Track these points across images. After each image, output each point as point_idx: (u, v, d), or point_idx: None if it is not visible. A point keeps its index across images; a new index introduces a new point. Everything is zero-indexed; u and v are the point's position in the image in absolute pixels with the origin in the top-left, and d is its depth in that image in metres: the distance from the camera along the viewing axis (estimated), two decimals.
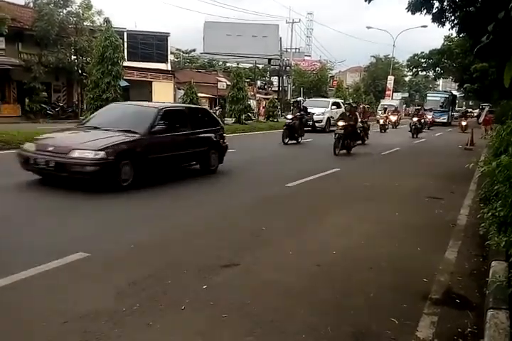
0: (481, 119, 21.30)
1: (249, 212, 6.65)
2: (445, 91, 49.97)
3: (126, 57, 22.58)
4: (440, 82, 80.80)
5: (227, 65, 51.16)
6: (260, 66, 50.26)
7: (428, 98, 43.46)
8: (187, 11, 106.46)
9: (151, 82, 33.13)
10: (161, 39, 38.28)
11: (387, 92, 50.49)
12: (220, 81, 36.24)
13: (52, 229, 5.31)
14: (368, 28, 45.03)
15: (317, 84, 40.81)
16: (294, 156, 13.99)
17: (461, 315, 3.54)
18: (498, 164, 3.24)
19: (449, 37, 35.21)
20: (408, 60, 45.26)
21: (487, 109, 22.48)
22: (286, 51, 48.57)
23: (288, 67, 44.81)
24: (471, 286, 4.11)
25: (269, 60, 45.25)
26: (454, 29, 17.44)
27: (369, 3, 14.11)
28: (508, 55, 5.09)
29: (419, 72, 46.14)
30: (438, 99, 40.82)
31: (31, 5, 24.14)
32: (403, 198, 8.23)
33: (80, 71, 24.85)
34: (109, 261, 4.38)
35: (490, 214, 3.49)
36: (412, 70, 45.95)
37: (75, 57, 24.87)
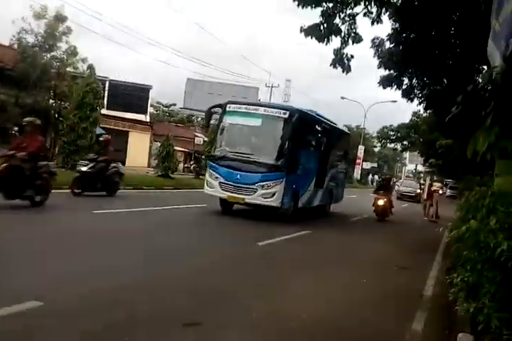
0: (424, 195, 21.37)
1: (218, 269, 6.39)
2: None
3: (105, 106, 22.66)
4: (407, 155, 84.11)
5: None
6: None
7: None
8: (172, 66, 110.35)
9: (128, 131, 33.05)
10: (143, 91, 38.65)
11: (357, 161, 52.10)
12: (197, 136, 36.66)
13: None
14: (342, 98, 47.42)
15: None
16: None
17: None
18: (467, 229, 3.27)
19: (416, 113, 37.24)
20: (378, 132, 47.31)
21: (428, 182, 22.86)
22: None
23: None
24: None
25: None
26: (422, 105, 18.53)
27: (346, 74, 14.99)
28: (474, 127, 5.36)
29: (388, 144, 48.11)
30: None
31: (15, 46, 24.33)
32: (372, 265, 8.16)
33: (56, 115, 24.68)
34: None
35: (459, 279, 3.45)
36: (381, 142, 47.87)
37: (52, 101, 24.80)
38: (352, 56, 14.75)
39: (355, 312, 5.18)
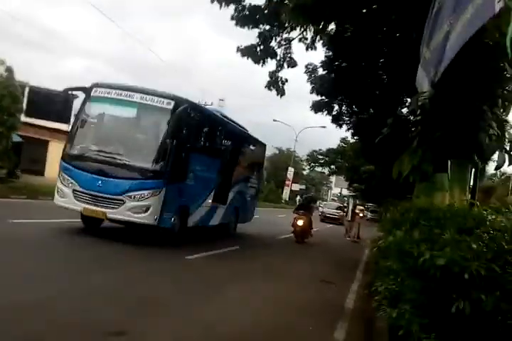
0: (348, 217, 22.32)
1: (146, 281, 6.17)
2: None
3: (24, 112, 21.22)
4: (333, 178, 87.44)
5: None
6: None
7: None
8: (101, 76, 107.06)
9: (48, 141, 31.25)
10: (67, 99, 36.56)
11: (286, 182, 53.28)
12: None
13: None
14: (274, 120, 48.55)
15: None
16: None
17: None
18: (393, 240, 3.45)
19: (344, 139, 38.99)
20: (308, 155, 48.79)
21: (351, 205, 23.86)
22: None
23: None
24: None
25: None
26: (350, 131, 19.48)
27: (281, 97, 15.45)
28: (401, 150, 5.73)
29: (316, 168, 49.80)
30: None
31: None
32: (298, 280, 8.30)
33: None
34: None
35: (383, 288, 3.61)
36: (310, 165, 49.39)
37: None
38: (286, 80, 15.28)
39: (279, 322, 5.24)
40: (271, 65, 14.63)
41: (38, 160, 29.42)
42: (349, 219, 21.07)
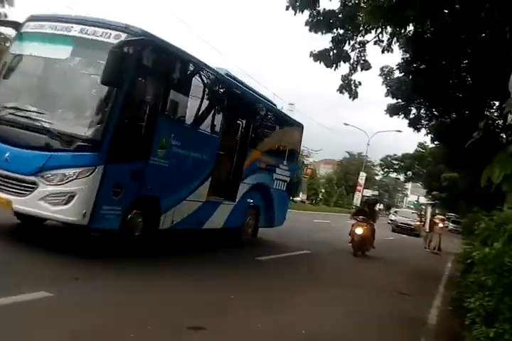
0: (427, 227, 20.92)
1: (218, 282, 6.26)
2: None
3: None
4: (409, 185, 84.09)
5: None
6: None
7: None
8: None
9: None
10: None
11: (358, 188, 52.05)
12: None
13: None
14: (346, 124, 47.62)
15: None
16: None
17: None
18: (490, 252, 3.20)
19: (422, 144, 37.36)
20: (381, 160, 47.37)
21: (429, 214, 22.30)
22: None
23: None
24: None
25: None
26: (429, 136, 18.64)
27: (353, 100, 15.12)
28: (491, 156, 5.34)
29: (390, 173, 48.12)
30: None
31: None
32: (374, 290, 8.04)
33: None
34: None
35: (477, 304, 3.36)
36: (383, 170, 47.89)
37: None
38: (360, 83, 14.89)
39: (354, 336, 5.07)
40: (343, 68, 14.38)
41: None
42: (427, 229, 20.04)
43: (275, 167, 10.83)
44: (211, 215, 8.30)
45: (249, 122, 9.48)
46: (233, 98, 8.70)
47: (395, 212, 39.17)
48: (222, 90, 8.49)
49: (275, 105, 11.38)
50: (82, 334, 3.53)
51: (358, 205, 55.51)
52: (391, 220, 36.68)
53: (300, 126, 12.36)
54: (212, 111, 8.12)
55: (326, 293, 6.94)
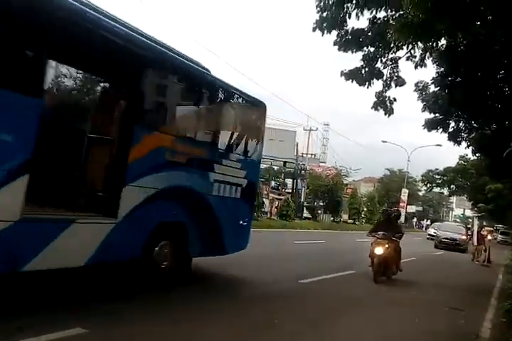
0: (475, 240, 20.21)
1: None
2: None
3: None
4: (454, 199, 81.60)
5: None
6: (275, 168, 51.78)
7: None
8: None
9: None
10: None
11: (401, 204, 51.01)
12: None
13: None
14: (383, 142, 47.16)
15: (332, 188, 41.72)
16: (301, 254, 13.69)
17: None
18: None
19: (463, 157, 36.46)
20: (423, 175, 46.42)
21: (476, 226, 21.56)
22: (302, 156, 50.38)
23: (303, 171, 46.18)
24: None
25: (285, 162, 46.74)
26: (470, 148, 18.27)
27: (388, 116, 15.12)
28: None
29: (434, 188, 46.93)
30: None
31: None
32: (423, 306, 7.94)
33: None
34: None
35: None
36: (426, 185, 46.80)
37: None
38: (395, 99, 14.87)
39: None
40: (377, 85, 14.44)
41: None
42: (475, 243, 19.46)
43: (213, 162, 7.18)
44: (44, 245, 4.57)
45: (141, 88, 5.84)
46: (97, 41, 5.17)
47: (438, 225, 35.98)
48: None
49: (208, 71, 7.45)
50: None
51: (402, 222, 54.56)
52: (430, 235, 35.41)
53: (259, 106, 8.49)
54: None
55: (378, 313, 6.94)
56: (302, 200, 44.50)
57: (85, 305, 4.86)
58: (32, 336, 3.79)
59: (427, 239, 34.37)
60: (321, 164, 60.11)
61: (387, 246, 9.84)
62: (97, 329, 4.16)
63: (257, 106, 8.47)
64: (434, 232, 33.81)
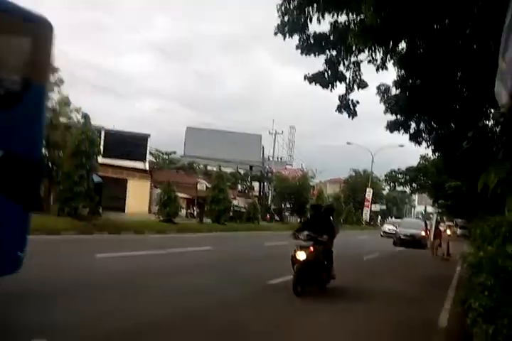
0: (431, 236, 20.89)
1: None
2: None
3: (102, 154, 22.44)
4: (416, 196, 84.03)
5: (208, 168, 51.41)
6: (242, 171, 52.02)
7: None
8: (169, 115, 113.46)
9: (127, 179, 33.04)
10: (140, 139, 38.20)
11: (365, 203, 52.18)
12: (200, 182, 36.45)
13: None
14: (348, 143, 48.17)
15: (298, 190, 42.24)
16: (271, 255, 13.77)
17: None
18: (485, 255, 3.42)
19: (424, 156, 37.62)
20: (386, 175, 47.59)
21: (434, 221, 22.20)
22: (269, 159, 50.78)
23: (269, 174, 46.52)
24: None
25: (251, 166, 46.92)
26: (430, 148, 18.87)
27: (352, 118, 15.45)
28: (484, 163, 5.57)
29: (397, 187, 48.16)
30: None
31: None
32: (386, 298, 8.20)
33: (50, 164, 24.23)
34: None
35: (477, 304, 3.55)
36: (389, 185, 47.98)
37: (46, 150, 24.51)
38: (358, 102, 15.24)
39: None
40: (340, 88, 14.71)
41: (118, 198, 31.37)
42: (431, 239, 20.17)
43: None
44: None
45: None
46: None
47: (398, 223, 34.66)
48: None
49: None
50: None
51: (367, 221, 55.68)
52: (384, 232, 34.74)
53: (39, 26, 4.93)
54: None
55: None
56: (269, 203, 44.80)
57: None
58: None
59: (381, 236, 33.54)
60: (287, 167, 60.63)
61: (312, 249, 7.82)
62: None
63: (34, 26, 4.93)
64: (389, 229, 33.29)
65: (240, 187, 50.50)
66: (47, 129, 23.34)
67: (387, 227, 34.97)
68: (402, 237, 25.62)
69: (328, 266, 8.36)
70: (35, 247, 10.70)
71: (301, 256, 7.71)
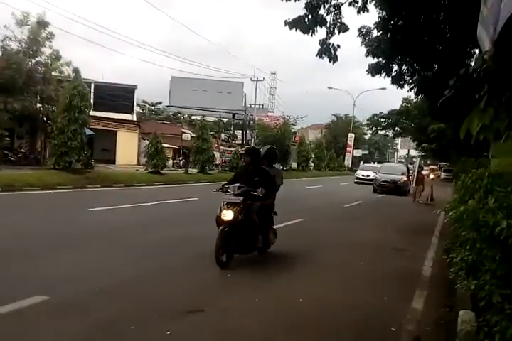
0: (413, 182, 20.02)
1: None
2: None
3: (92, 107, 22.55)
4: (399, 140, 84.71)
5: (192, 117, 51.96)
6: (225, 120, 51.99)
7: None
8: (154, 65, 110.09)
9: (116, 131, 33.42)
10: (128, 91, 39.00)
11: (347, 149, 52.49)
12: (185, 132, 36.79)
13: None
14: (329, 88, 47.53)
15: (280, 138, 42.11)
16: None
17: None
18: (466, 209, 3.40)
19: (407, 99, 37.40)
20: (368, 120, 47.53)
21: (417, 165, 21.86)
22: (251, 107, 50.51)
23: (252, 122, 46.22)
24: (438, 335, 4.13)
25: (234, 114, 46.79)
26: (413, 91, 18.65)
27: (333, 63, 15.06)
28: (467, 110, 5.45)
29: (379, 131, 48.26)
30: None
31: (0, 53, 24.13)
32: (369, 249, 8.32)
33: (44, 119, 24.64)
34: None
35: (459, 259, 3.59)
36: (371, 129, 48.05)
37: (40, 105, 24.72)
38: (338, 46, 14.82)
39: (353, 293, 5.35)
40: (321, 33, 14.24)
41: (109, 150, 32.17)
42: (413, 185, 20.04)
43: None
44: None
45: None
46: None
47: (367, 167, 33.55)
48: None
49: None
50: None
51: (349, 166, 56.27)
52: (358, 178, 31.88)
53: None
54: None
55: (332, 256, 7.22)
56: None
57: None
58: None
59: (355, 182, 30.95)
60: (269, 113, 60.02)
61: (242, 206, 6.24)
62: None
63: None
64: (363, 175, 31.08)
65: (223, 135, 50.35)
66: (40, 84, 23.49)
67: (361, 173, 32.07)
68: (381, 183, 23.72)
69: (266, 228, 6.78)
70: (35, 202, 10.80)
71: (228, 215, 6.12)
